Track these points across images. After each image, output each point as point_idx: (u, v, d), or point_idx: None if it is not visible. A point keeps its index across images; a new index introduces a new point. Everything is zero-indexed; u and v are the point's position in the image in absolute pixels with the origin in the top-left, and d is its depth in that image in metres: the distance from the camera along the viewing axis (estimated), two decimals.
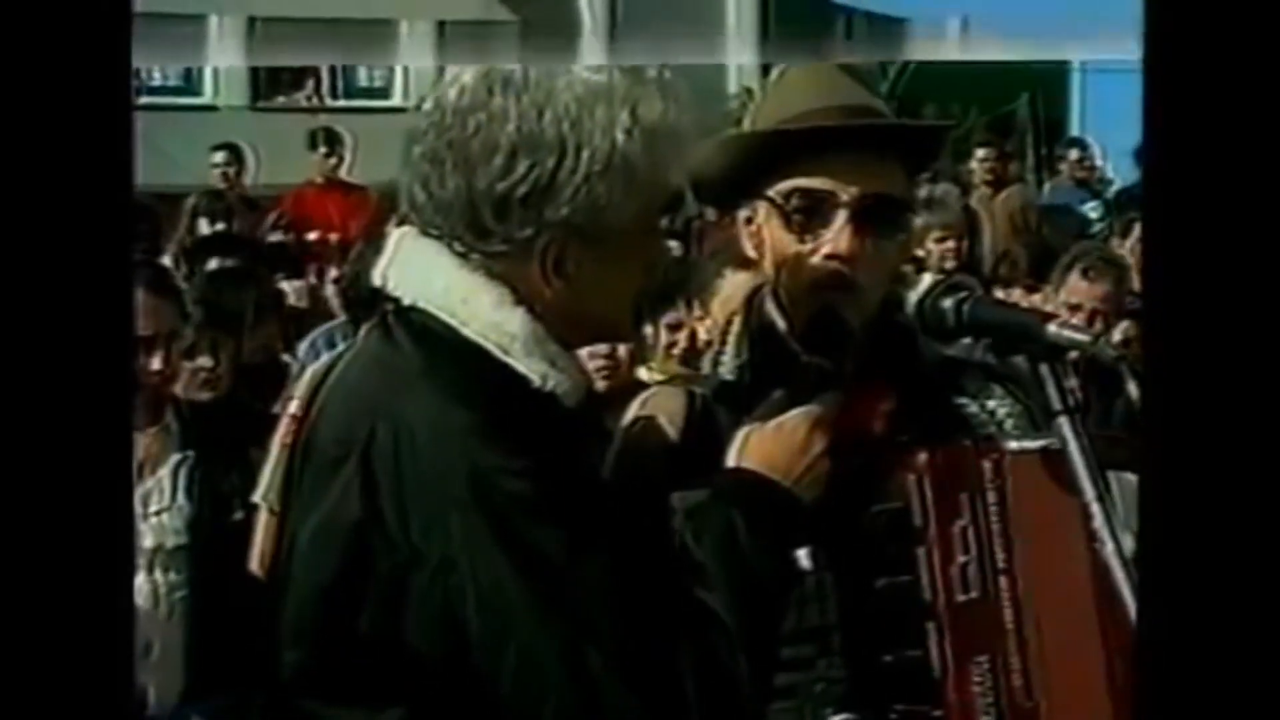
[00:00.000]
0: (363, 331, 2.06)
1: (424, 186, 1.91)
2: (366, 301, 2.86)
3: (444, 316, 1.90)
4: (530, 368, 1.88)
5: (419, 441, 1.83)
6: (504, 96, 1.87)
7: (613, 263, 1.91)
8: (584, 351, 4.00)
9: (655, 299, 4.21)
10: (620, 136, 1.86)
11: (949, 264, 6.52)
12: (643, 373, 4.02)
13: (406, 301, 1.93)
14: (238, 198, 9.56)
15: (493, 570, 1.80)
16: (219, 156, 10.04)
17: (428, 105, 1.93)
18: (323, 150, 10.10)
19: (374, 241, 3.02)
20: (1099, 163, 11.81)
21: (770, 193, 2.14)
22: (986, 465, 2.03)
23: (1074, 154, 11.50)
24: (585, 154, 1.85)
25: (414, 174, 1.92)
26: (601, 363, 3.99)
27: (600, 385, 3.76)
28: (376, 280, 1.98)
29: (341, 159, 10.05)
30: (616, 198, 1.87)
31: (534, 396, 1.87)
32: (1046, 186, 11.83)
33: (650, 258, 2.00)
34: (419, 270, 1.93)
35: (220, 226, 8.45)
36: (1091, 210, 10.28)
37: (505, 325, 1.88)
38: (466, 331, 1.89)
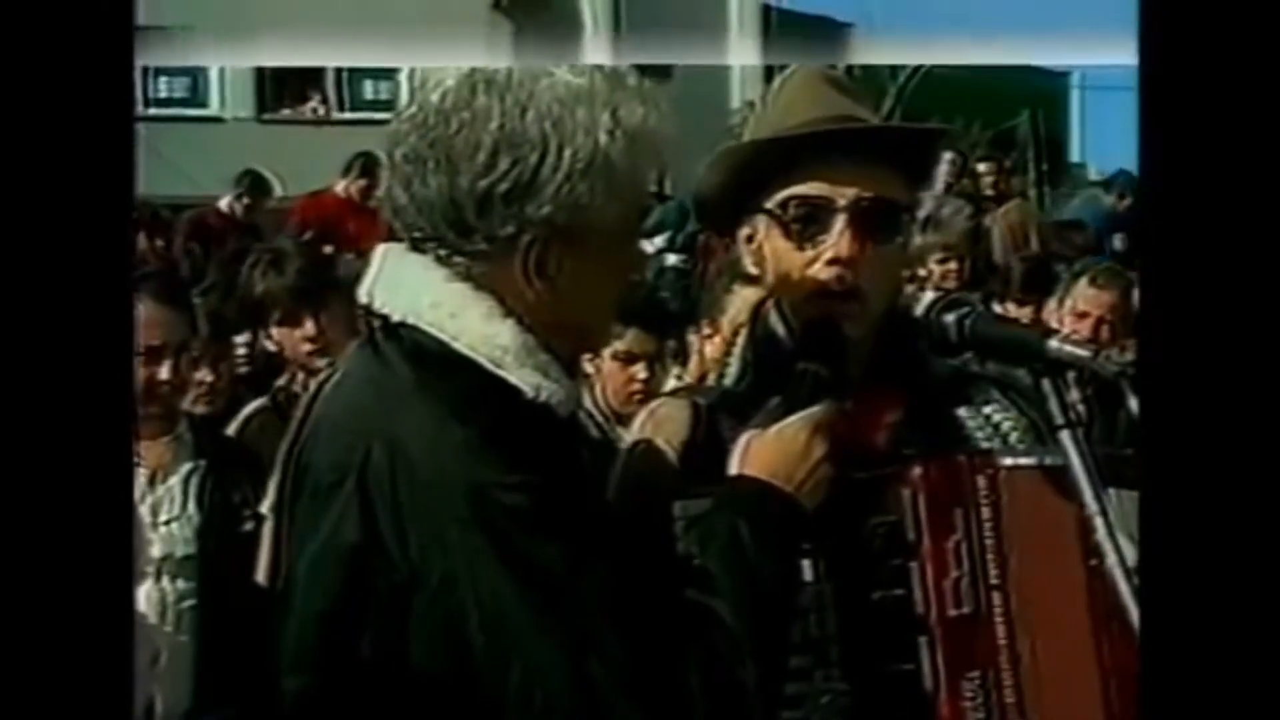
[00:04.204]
0: (351, 349, 2.05)
1: (405, 188, 1.91)
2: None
3: (434, 332, 1.89)
4: (523, 379, 1.87)
5: (415, 460, 1.82)
6: (487, 96, 1.88)
7: (593, 267, 1.92)
8: (621, 376, 4.03)
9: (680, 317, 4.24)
10: (603, 137, 1.87)
11: (950, 283, 6.53)
12: (671, 384, 4.04)
13: (395, 318, 1.92)
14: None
15: (494, 586, 1.79)
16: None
17: (410, 109, 1.93)
18: (362, 181, 10.05)
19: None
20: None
21: (768, 204, 2.15)
22: (981, 480, 2.02)
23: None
24: (568, 152, 1.86)
25: (395, 176, 1.92)
26: (637, 386, 4.00)
27: (632, 408, 3.77)
28: (362, 297, 1.97)
29: (373, 187, 10.03)
30: (598, 198, 1.87)
31: (528, 408, 1.87)
32: (1048, 201, 11.86)
33: (628, 266, 2.01)
34: (406, 286, 1.93)
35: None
36: (1118, 241, 10.27)
37: (496, 338, 1.88)
38: (457, 346, 1.88)
